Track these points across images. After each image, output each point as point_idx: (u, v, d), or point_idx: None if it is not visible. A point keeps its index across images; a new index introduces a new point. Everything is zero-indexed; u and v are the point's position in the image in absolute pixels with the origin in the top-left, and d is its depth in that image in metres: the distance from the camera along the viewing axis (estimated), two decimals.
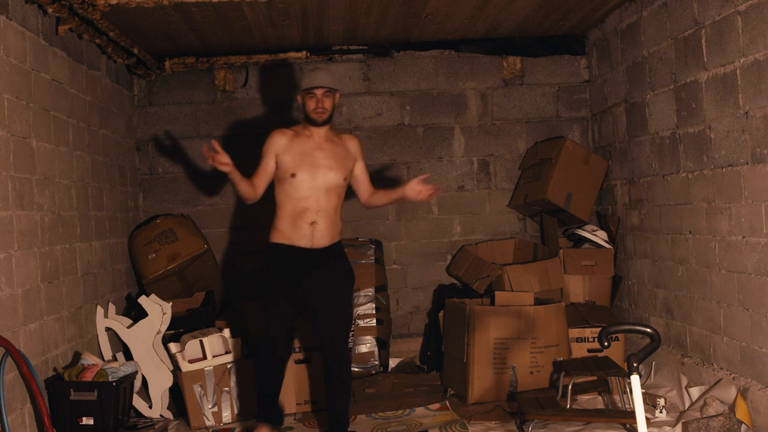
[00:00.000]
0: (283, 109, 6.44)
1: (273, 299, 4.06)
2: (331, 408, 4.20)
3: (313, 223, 4.03)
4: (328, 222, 4.07)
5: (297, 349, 4.98)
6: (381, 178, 6.49)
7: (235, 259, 6.42)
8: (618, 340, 5.11)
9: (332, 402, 4.19)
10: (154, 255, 5.78)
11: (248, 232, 6.36)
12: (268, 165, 4.10)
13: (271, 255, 4.10)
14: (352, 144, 4.25)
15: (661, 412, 4.40)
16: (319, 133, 4.12)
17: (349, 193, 4.39)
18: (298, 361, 4.99)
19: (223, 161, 3.88)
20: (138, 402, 4.93)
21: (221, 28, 5.54)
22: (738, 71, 4.07)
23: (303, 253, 4.04)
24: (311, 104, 4.06)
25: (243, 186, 4.05)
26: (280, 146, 4.08)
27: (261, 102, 6.47)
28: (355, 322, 5.91)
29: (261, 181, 4.11)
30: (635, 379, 2.76)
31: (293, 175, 4.03)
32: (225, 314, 5.79)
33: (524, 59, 6.55)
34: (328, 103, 4.06)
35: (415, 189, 4.19)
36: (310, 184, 4.04)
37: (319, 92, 4.04)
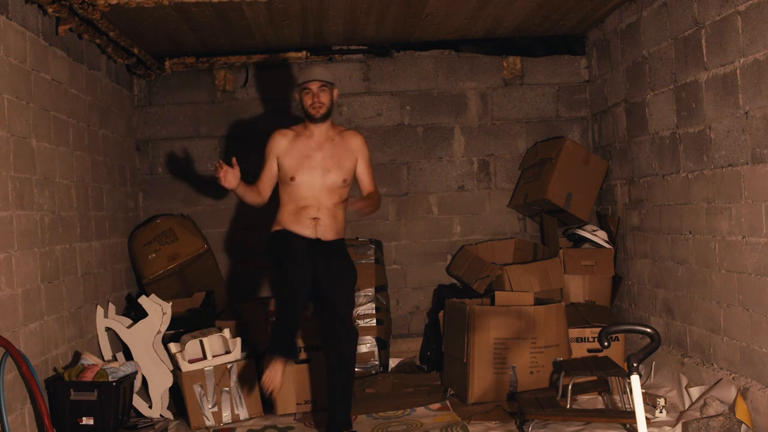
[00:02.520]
0: (283, 109, 6.44)
1: (290, 255, 3.96)
2: (332, 401, 4.13)
3: (315, 219, 4.04)
4: (331, 218, 4.09)
5: (297, 350, 4.97)
6: (381, 178, 6.50)
7: (235, 259, 6.42)
8: (618, 340, 5.11)
9: (334, 395, 4.11)
10: (154, 255, 5.79)
11: (249, 232, 6.36)
12: (271, 168, 4.10)
13: (276, 237, 4.08)
14: (354, 141, 4.23)
15: (661, 412, 4.40)
16: (320, 131, 4.10)
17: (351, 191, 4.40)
18: (298, 361, 4.98)
19: (231, 180, 3.88)
20: (138, 402, 4.93)
21: (221, 28, 5.54)
22: (738, 71, 4.07)
23: (308, 240, 4.03)
24: (308, 99, 4.06)
25: (249, 196, 4.06)
26: (281, 148, 4.08)
27: (261, 102, 6.47)
28: (355, 321, 5.91)
29: (266, 185, 4.12)
30: (635, 379, 2.76)
31: (293, 179, 4.05)
32: (225, 314, 5.80)
33: (524, 59, 6.55)
34: (324, 97, 4.06)
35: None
36: (309, 185, 4.05)
37: (314, 86, 4.04)
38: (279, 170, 4.10)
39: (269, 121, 6.38)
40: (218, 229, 6.42)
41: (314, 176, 4.05)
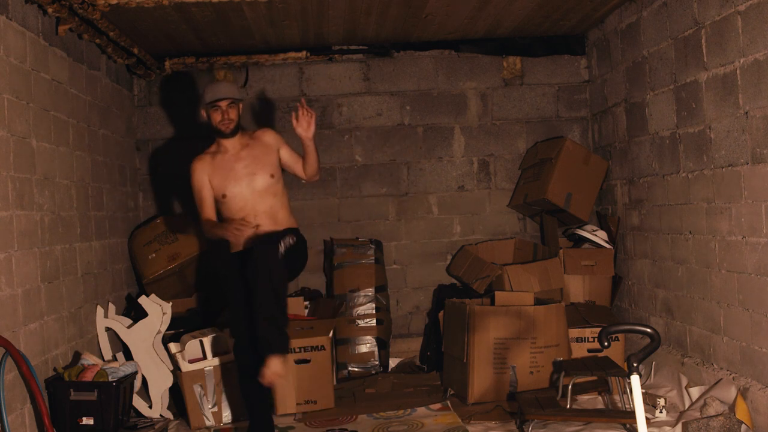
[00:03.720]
0: (282, 109, 6.44)
1: (231, 297, 4.13)
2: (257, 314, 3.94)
3: (256, 226, 4.07)
4: (271, 219, 4.14)
5: (297, 350, 4.97)
6: (381, 178, 6.50)
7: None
8: (618, 340, 5.11)
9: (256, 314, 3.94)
10: (154, 255, 5.79)
11: None
12: (209, 193, 4.15)
13: (225, 261, 4.20)
14: (268, 136, 4.28)
15: (661, 412, 4.40)
16: (233, 143, 4.18)
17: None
18: (298, 361, 4.99)
19: (241, 237, 3.97)
20: (138, 402, 4.93)
21: (221, 28, 5.54)
22: (738, 71, 4.07)
23: (246, 253, 4.07)
24: (217, 117, 4.12)
25: (220, 231, 4.05)
26: (206, 172, 4.15)
27: (261, 102, 6.46)
28: (356, 323, 5.91)
29: (213, 210, 4.16)
30: (635, 379, 2.76)
31: (224, 196, 4.13)
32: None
33: (524, 59, 6.55)
34: (233, 114, 4.12)
35: (299, 130, 4.11)
36: (240, 197, 4.12)
37: (223, 104, 4.11)
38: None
39: (269, 121, 6.39)
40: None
41: (242, 186, 4.12)
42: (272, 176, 4.19)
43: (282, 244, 3.89)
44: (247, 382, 4.10)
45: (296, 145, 4.33)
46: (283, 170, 4.33)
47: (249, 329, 4.03)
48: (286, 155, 4.30)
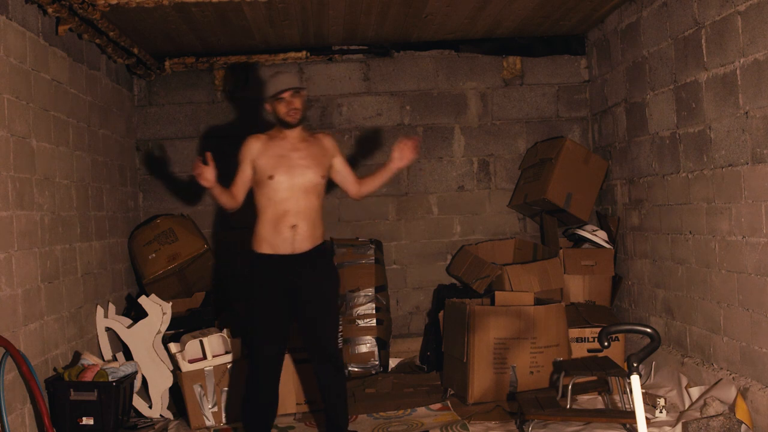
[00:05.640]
0: None
1: (260, 310, 4.05)
2: (331, 415, 4.15)
3: (293, 227, 4.01)
4: (309, 224, 4.06)
5: (297, 349, 4.97)
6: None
7: (235, 259, 6.41)
8: (618, 340, 5.11)
9: (331, 409, 4.14)
10: (154, 255, 5.79)
11: (249, 231, 6.34)
12: (245, 172, 4.09)
13: (256, 264, 4.09)
14: (327, 141, 4.25)
15: (661, 412, 4.40)
16: (293, 134, 4.13)
17: (344, 192, 4.40)
18: (298, 361, 4.99)
19: (208, 177, 3.89)
20: (138, 402, 4.93)
21: (221, 28, 5.54)
22: (738, 71, 4.07)
23: (285, 260, 4.02)
24: (282, 108, 4.08)
25: (223, 198, 4.06)
26: (255, 151, 4.08)
27: (261, 102, 6.45)
28: (356, 323, 5.91)
29: (240, 189, 4.11)
30: (635, 379, 2.76)
31: (271, 177, 4.03)
32: (225, 314, 5.79)
33: (524, 59, 6.55)
34: (298, 103, 4.08)
35: (399, 155, 4.17)
36: (288, 185, 4.04)
37: (287, 95, 4.06)
38: (255, 173, 4.09)
39: (269, 121, 6.38)
40: (218, 229, 6.42)
41: (293, 175, 4.06)
42: (323, 177, 4.16)
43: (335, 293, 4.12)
44: (255, 412, 4.07)
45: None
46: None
47: (276, 364, 4.07)
48: (341, 166, 4.26)
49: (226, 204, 4.11)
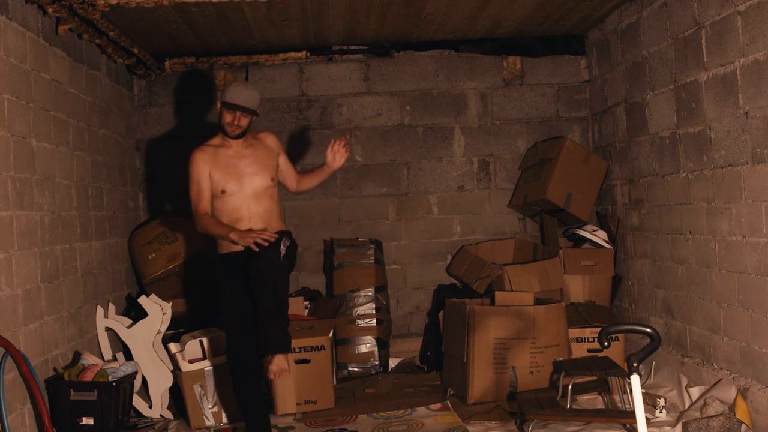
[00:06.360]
0: (282, 109, 6.44)
1: (226, 294, 4.11)
2: (263, 336, 3.95)
3: (248, 230, 4.01)
4: (264, 224, 4.09)
5: (297, 350, 4.98)
6: (381, 178, 6.50)
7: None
8: (618, 340, 5.11)
9: (263, 332, 3.94)
10: (154, 255, 5.79)
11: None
12: (208, 187, 4.09)
13: (218, 263, 4.15)
14: (271, 140, 4.30)
15: (661, 412, 4.40)
16: (238, 141, 4.17)
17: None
18: (298, 361, 4.99)
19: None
20: (138, 402, 4.93)
21: (221, 28, 5.54)
22: (738, 71, 4.07)
23: (243, 253, 4.01)
24: (228, 118, 4.08)
25: (223, 231, 4.00)
26: (209, 165, 4.10)
27: (261, 102, 6.45)
28: (356, 323, 5.91)
29: (209, 205, 4.11)
30: (635, 379, 2.77)
31: (223, 192, 4.09)
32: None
33: (524, 59, 6.55)
34: (244, 122, 4.10)
35: (332, 158, 4.20)
36: (239, 195, 4.09)
37: (238, 112, 4.06)
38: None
39: (269, 122, 6.39)
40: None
41: (243, 184, 4.09)
42: (272, 179, 4.20)
43: (282, 246, 3.89)
44: (243, 384, 4.08)
45: (290, 154, 4.33)
46: None
47: (247, 330, 4.03)
48: (284, 163, 4.34)
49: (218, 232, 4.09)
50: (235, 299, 4.10)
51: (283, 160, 4.34)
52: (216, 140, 4.20)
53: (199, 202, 4.08)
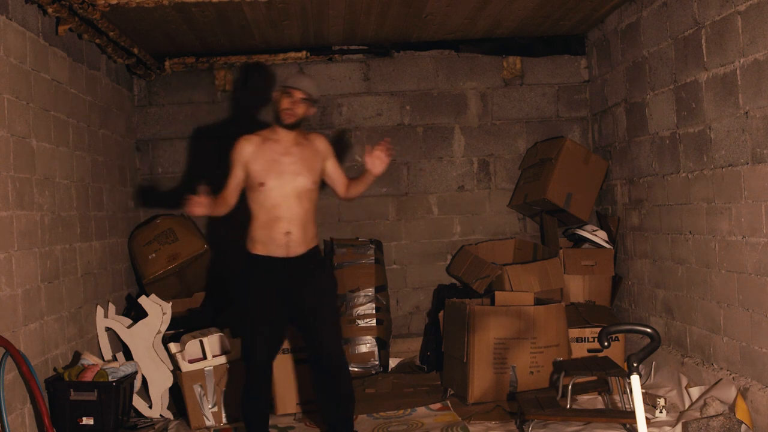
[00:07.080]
0: None
1: (253, 312, 4.02)
2: (333, 418, 4.09)
3: (287, 233, 3.96)
4: (302, 229, 4.00)
5: (297, 350, 4.97)
6: (381, 178, 6.48)
7: (235, 259, 6.40)
8: (618, 340, 5.11)
9: (333, 413, 4.08)
10: (154, 255, 5.79)
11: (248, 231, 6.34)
12: (237, 175, 4.04)
13: (250, 265, 4.05)
14: (321, 143, 4.18)
15: (661, 412, 4.40)
16: (287, 136, 4.04)
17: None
18: (298, 361, 4.99)
19: (198, 210, 3.87)
20: (138, 402, 4.93)
21: (221, 28, 5.55)
22: (738, 71, 4.07)
23: (280, 262, 3.99)
24: (285, 102, 3.99)
25: (217, 209, 4.01)
26: (247, 155, 4.01)
27: (261, 102, 6.46)
28: (356, 323, 5.91)
29: (233, 193, 4.06)
30: (635, 379, 2.76)
31: (262, 184, 3.98)
32: (225, 314, 5.80)
33: (524, 59, 6.55)
34: (300, 109, 4.01)
35: (371, 163, 4.05)
36: (279, 192, 3.98)
37: (297, 95, 3.99)
38: (247, 177, 4.05)
39: (269, 122, 6.38)
40: (218, 229, 6.42)
41: (284, 181, 3.99)
42: (314, 182, 4.09)
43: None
44: (253, 414, 4.05)
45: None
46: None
47: (270, 356, 4.05)
48: (332, 168, 4.19)
49: (218, 212, 4.07)
50: (265, 316, 4.01)
51: (332, 165, 4.19)
52: (266, 132, 4.12)
53: (225, 188, 4.07)
